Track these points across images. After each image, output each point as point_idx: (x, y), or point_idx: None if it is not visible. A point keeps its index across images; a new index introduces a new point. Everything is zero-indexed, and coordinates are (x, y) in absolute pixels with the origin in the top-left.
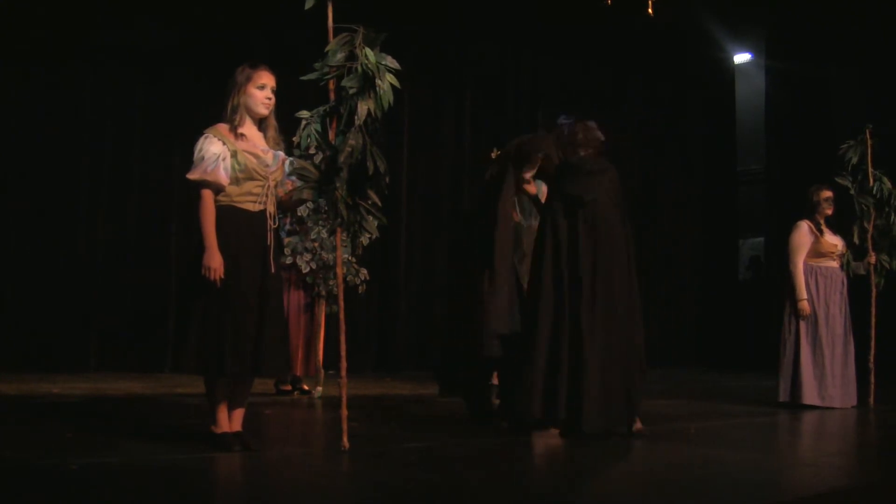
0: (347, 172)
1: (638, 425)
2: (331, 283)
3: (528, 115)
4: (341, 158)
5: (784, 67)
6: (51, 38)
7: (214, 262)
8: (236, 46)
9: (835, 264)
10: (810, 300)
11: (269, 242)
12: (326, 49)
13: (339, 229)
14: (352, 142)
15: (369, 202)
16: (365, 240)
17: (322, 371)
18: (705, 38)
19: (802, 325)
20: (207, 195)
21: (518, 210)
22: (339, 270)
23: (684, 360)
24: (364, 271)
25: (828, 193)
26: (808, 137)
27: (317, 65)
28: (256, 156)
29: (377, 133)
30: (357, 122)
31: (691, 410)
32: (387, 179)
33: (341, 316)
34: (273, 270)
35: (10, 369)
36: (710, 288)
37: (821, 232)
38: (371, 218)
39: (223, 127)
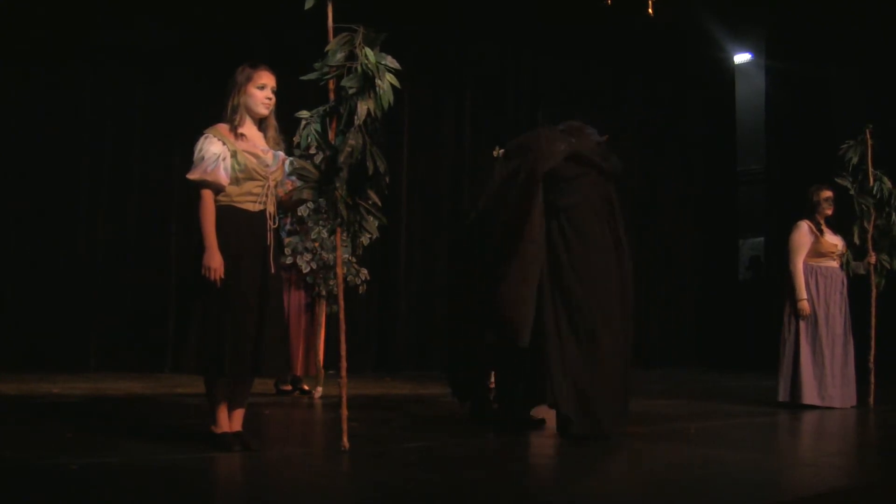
0: (347, 172)
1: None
2: (331, 283)
3: (528, 115)
4: (341, 158)
5: (784, 67)
6: (51, 38)
7: (214, 262)
8: (236, 46)
9: (835, 264)
10: (810, 300)
11: (268, 242)
12: (326, 49)
13: (339, 229)
14: (352, 142)
15: (369, 202)
16: (365, 240)
17: (322, 371)
18: (705, 38)
19: (802, 324)
20: (207, 195)
21: None
22: (340, 270)
23: (684, 360)
24: (364, 271)
25: (828, 193)
26: (808, 137)
27: (317, 65)
28: (256, 156)
29: (377, 133)
30: (357, 122)
31: (691, 410)
32: (387, 179)
33: (341, 316)
34: (273, 270)
35: (10, 369)
36: (710, 288)
37: (821, 232)
38: (371, 218)
39: (223, 127)
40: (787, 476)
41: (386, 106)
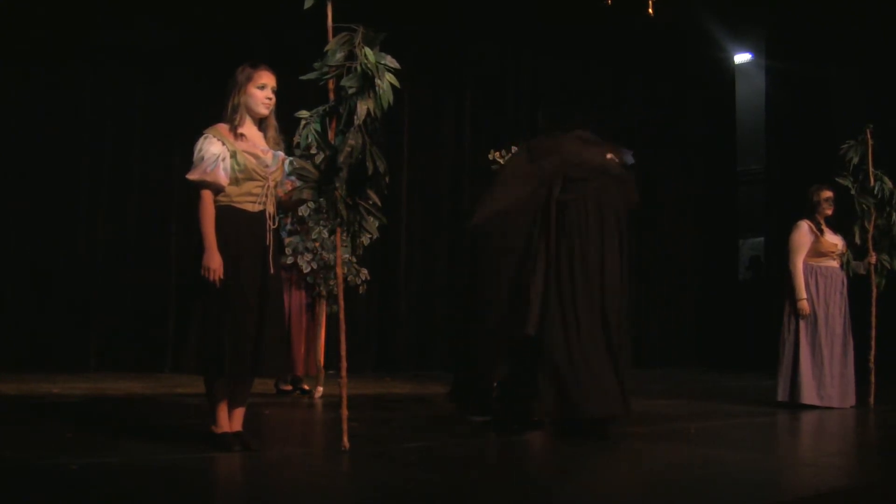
0: (347, 172)
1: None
2: (331, 282)
3: (528, 115)
4: (341, 158)
5: (784, 67)
6: (51, 38)
7: (214, 262)
8: (236, 46)
9: (835, 264)
10: (810, 300)
11: (268, 243)
12: (326, 49)
13: (339, 229)
14: (351, 142)
15: (369, 202)
16: (365, 240)
17: (322, 371)
18: (705, 38)
19: (802, 324)
20: (207, 195)
21: None
22: (339, 270)
23: (684, 360)
24: (364, 271)
25: (828, 193)
26: (808, 137)
27: (316, 64)
28: (256, 156)
29: (377, 133)
30: (356, 122)
31: (691, 410)
32: (387, 179)
33: (341, 316)
34: (273, 271)
35: (10, 369)
36: (710, 288)
37: (821, 231)
38: (371, 218)
39: (223, 127)
40: (787, 476)
41: (385, 106)
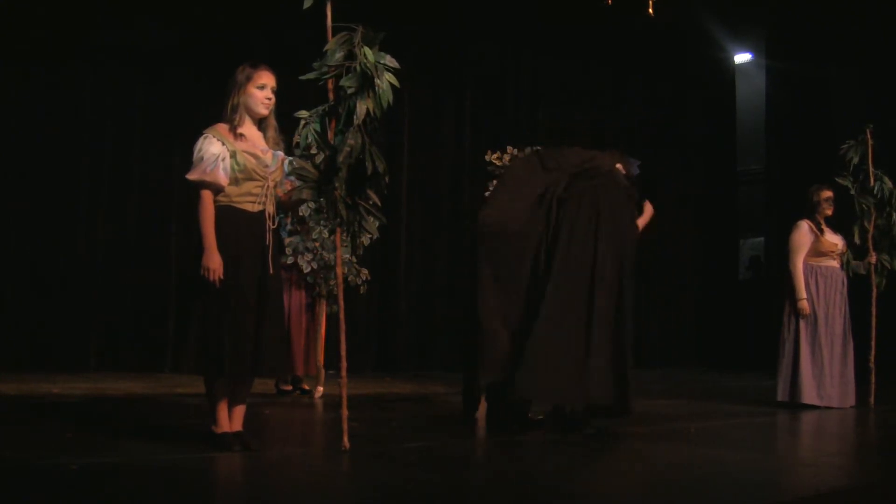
0: (347, 172)
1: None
2: (332, 282)
3: (528, 115)
4: (340, 158)
5: (784, 67)
6: (51, 38)
7: (214, 262)
8: (236, 46)
9: (835, 264)
10: (810, 300)
11: (268, 243)
12: (325, 48)
13: (338, 229)
14: (351, 142)
15: (369, 202)
16: (365, 240)
17: (322, 371)
18: (705, 38)
19: (802, 324)
20: (207, 196)
21: None
22: (339, 270)
23: (684, 360)
24: (365, 271)
25: (828, 193)
26: (808, 137)
27: (316, 64)
28: (256, 156)
29: (376, 133)
30: (356, 122)
31: (691, 410)
32: (386, 179)
33: (341, 316)
34: (272, 271)
35: (10, 369)
36: (710, 288)
37: (821, 231)
38: (371, 218)
39: (223, 127)
40: (787, 476)
41: (385, 105)
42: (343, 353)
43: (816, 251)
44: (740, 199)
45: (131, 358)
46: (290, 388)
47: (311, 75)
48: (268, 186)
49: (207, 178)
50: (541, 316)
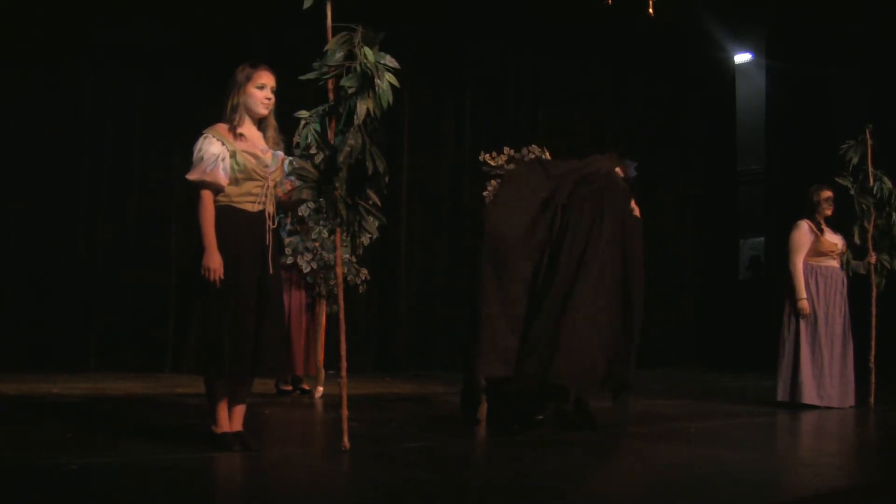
0: (347, 172)
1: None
2: (331, 282)
3: (528, 115)
4: (340, 158)
5: (784, 67)
6: (51, 38)
7: (214, 262)
8: (236, 46)
9: (835, 263)
10: (810, 300)
11: (268, 242)
12: (325, 48)
13: (338, 229)
14: (351, 142)
15: (369, 202)
16: (365, 240)
17: (322, 371)
18: (705, 38)
19: (802, 324)
20: (207, 196)
21: None
22: (339, 270)
23: (684, 360)
24: (364, 271)
25: (828, 193)
26: (808, 137)
27: (316, 64)
28: (256, 156)
29: (376, 133)
30: (356, 122)
31: (691, 410)
32: (386, 179)
33: (341, 316)
34: (272, 271)
35: (10, 369)
36: (710, 288)
37: (821, 231)
38: (371, 218)
39: (222, 127)
40: (787, 476)
41: (385, 105)
42: (343, 353)
43: (816, 251)
44: (740, 199)
45: (131, 358)
46: (290, 388)
47: (311, 75)
48: (268, 186)
49: (207, 178)
50: (568, 308)
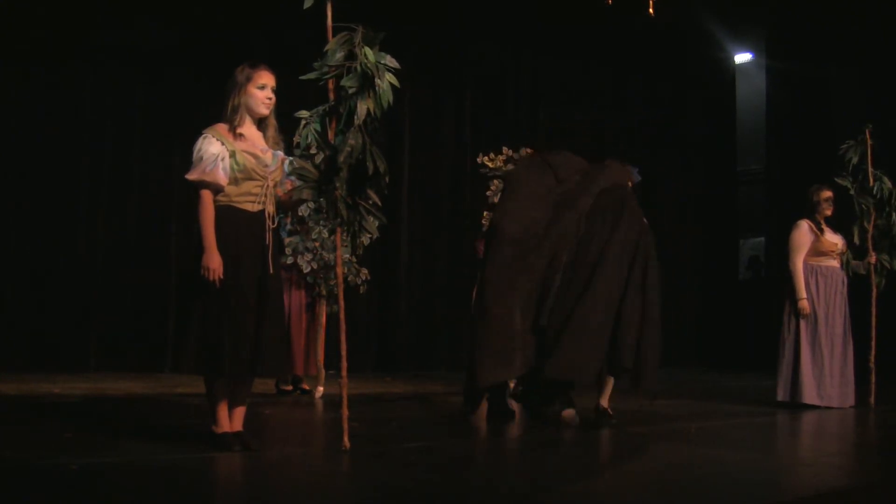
0: (347, 172)
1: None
2: (332, 282)
3: (528, 115)
4: (341, 158)
5: (784, 67)
6: (51, 38)
7: (213, 262)
8: (236, 46)
9: (835, 263)
10: (810, 299)
11: (267, 242)
12: (326, 48)
13: (338, 229)
14: (351, 141)
15: (369, 202)
16: (365, 240)
17: (323, 371)
18: (705, 38)
19: (802, 324)
20: (206, 195)
21: None
22: (340, 270)
23: (684, 360)
24: (365, 271)
25: (828, 193)
26: (808, 137)
27: (316, 64)
28: (255, 156)
29: (377, 133)
30: (356, 122)
31: (691, 410)
32: (386, 179)
33: (342, 316)
34: (272, 270)
35: (10, 369)
36: (710, 288)
37: (821, 231)
38: (371, 218)
39: (222, 127)
40: (787, 476)
41: (385, 105)
42: (343, 353)
43: (816, 251)
44: (740, 199)
45: (131, 358)
46: (290, 388)
47: (311, 75)
48: (267, 186)
49: (207, 178)
50: (585, 306)
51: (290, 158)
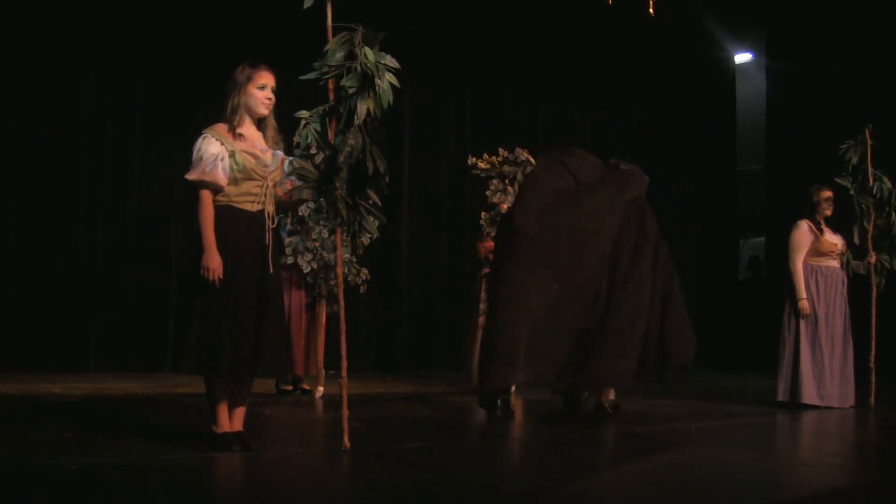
0: (347, 172)
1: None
2: (332, 282)
3: (528, 115)
4: (341, 158)
5: (784, 67)
6: (51, 38)
7: (213, 262)
8: (236, 46)
9: (835, 263)
10: (810, 299)
11: (267, 242)
12: (326, 48)
13: (339, 229)
14: (351, 141)
15: (369, 202)
16: (365, 240)
17: (323, 370)
18: (705, 38)
19: (802, 324)
20: (206, 195)
21: None
22: (340, 270)
23: None
24: (365, 271)
25: (828, 193)
26: (808, 137)
27: (316, 64)
28: (255, 156)
29: (377, 133)
30: (356, 122)
31: (691, 410)
32: (386, 179)
33: (342, 316)
34: (272, 271)
35: (10, 369)
36: (710, 288)
37: (821, 231)
38: (371, 218)
39: (222, 127)
40: (787, 476)
41: (385, 105)
42: (343, 353)
43: (816, 251)
44: (740, 199)
45: (131, 358)
46: (290, 388)
47: (311, 75)
48: (267, 186)
49: (206, 178)
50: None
51: (290, 158)
